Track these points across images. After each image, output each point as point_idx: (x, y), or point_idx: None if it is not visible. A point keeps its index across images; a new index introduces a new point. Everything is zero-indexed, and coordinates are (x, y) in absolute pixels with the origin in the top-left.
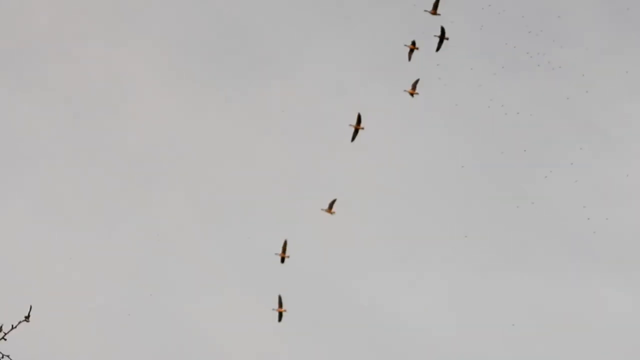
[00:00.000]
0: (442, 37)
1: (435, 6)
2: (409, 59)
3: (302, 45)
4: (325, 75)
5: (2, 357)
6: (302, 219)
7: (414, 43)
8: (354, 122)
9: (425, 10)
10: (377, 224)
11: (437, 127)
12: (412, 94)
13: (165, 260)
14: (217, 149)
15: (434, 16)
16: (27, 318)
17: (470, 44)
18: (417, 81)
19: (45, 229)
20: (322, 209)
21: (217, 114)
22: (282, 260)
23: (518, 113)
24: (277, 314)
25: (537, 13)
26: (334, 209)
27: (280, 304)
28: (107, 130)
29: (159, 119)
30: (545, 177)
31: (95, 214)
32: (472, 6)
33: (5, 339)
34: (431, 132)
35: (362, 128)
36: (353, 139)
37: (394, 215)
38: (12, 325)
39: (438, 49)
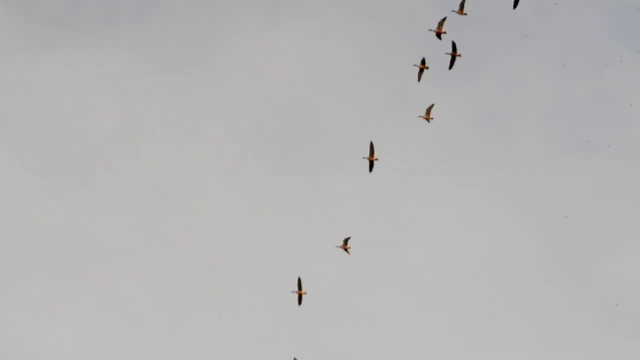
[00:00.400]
0: (455, 54)
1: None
2: (419, 79)
3: (369, 134)
4: (393, 164)
5: None
6: (376, 310)
7: (423, 62)
8: (368, 154)
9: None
10: (445, 304)
11: (503, 212)
12: (427, 119)
13: (237, 354)
14: (284, 242)
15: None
16: None
17: (535, 129)
18: (431, 106)
19: (112, 326)
20: None
21: (283, 206)
22: (300, 298)
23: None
24: None
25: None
26: None
27: None
28: (174, 226)
29: (225, 213)
30: (615, 256)
31: (162, 311)
32: (535, 93)
33: None
34: (499, 213)
35: (377, 159)
36: (371, 170)
37: (463, 295)
38: None
39: (451, 67)
